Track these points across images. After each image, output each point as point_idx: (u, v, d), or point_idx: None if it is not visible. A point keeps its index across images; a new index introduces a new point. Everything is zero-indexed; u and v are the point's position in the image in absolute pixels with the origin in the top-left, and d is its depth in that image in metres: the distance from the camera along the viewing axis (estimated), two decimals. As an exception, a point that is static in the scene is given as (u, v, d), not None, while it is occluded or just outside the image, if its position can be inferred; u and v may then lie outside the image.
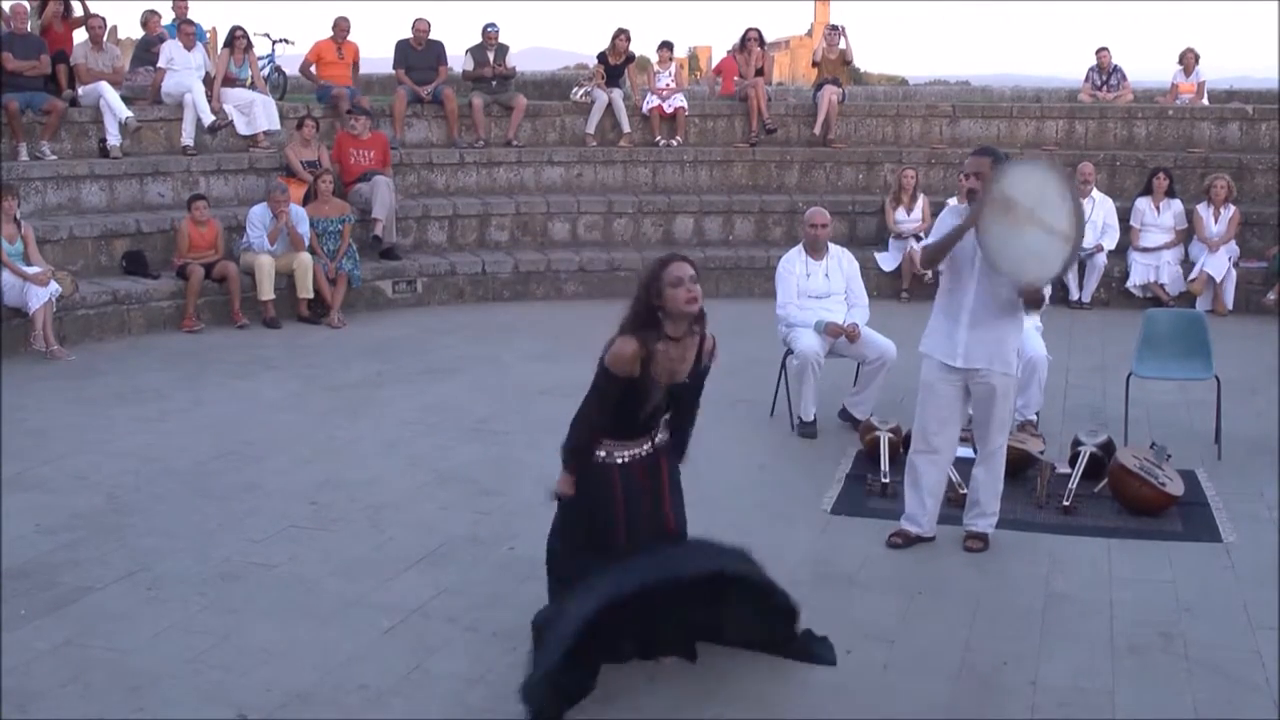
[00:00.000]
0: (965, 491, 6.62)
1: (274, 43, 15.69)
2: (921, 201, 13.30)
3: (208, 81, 13.31)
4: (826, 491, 7.07)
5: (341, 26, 14.24)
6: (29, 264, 10.13)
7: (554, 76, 20.39)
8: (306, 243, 11.65)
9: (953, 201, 12.19)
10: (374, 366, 10.00)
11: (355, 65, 14.53)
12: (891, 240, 13.24)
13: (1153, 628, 5.32)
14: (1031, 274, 5.82)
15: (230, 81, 13.50)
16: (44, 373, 9.57)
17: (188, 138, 12.89)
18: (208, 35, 16.62)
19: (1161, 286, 12.73)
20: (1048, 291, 6.07)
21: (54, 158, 12.15)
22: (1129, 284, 12.91)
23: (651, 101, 14.84)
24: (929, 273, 12.74)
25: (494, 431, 8.05)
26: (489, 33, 14.72)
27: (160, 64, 13.21)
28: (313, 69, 14.31)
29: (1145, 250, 12.90)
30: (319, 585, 5.66)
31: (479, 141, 14.36)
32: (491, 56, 14.63)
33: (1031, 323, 8.17)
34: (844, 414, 8.35)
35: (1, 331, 9.94)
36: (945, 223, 6.14)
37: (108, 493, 6.88)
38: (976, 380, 6.03)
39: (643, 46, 16.33)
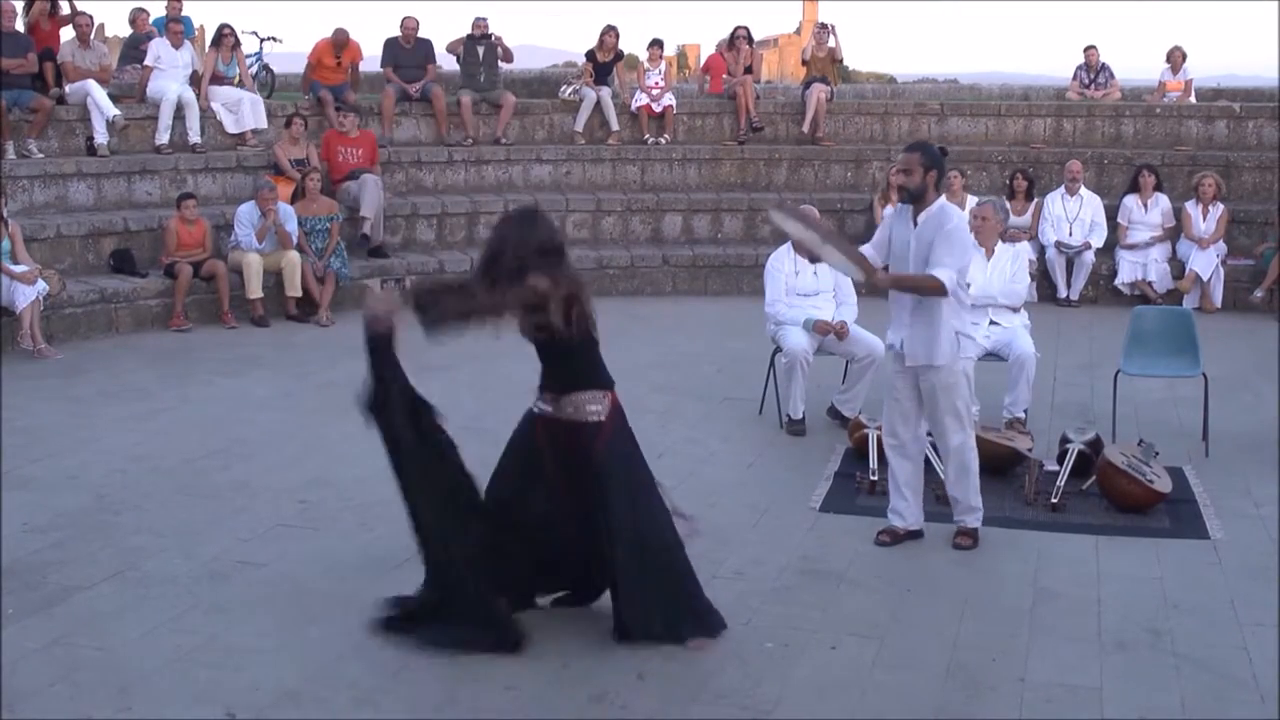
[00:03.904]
0: (953, 489, 6.67)
1: (262, 41, 15.67)
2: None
3: (195, 80, 13.27)
4: (815, 489, 7.08)
5: (339, 39, 14.17)
6: (16, 262, 10.10)
7: (543, 74, 20.39)
8: (294, 241, 11.63)
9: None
10: (362, 365, 9.95)
11: (355, 67, 14.47)
12: (880, 238, 13.24)
13: (1140, 624, 5.34)
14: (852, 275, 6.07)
15: (218, 79, 13.47)
16: (31, 371, 9.54)
17: (163, 133, 12.80)
18: (195, 32, 16.59)
19: (1149, 284, 12.76)
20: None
21: (41, 156, 12.10)
22: (1117, 282, 12.94)
23: (641, 100, 14.84)
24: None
25: (483, 429, 7.98)
26: (479, 24, 14.71)
27: (147, 62, 13.16)
28: (310, 69, 14.28)
29: (1132, 248, 12.94)
30: (308, 584, 5.66)
31: (467, 140, 14.34)
32: (481, 52, 14.60)
33: (1019, 320, 8.21)
34: (833, 412, 8.36)
35: (-11, 330, 9.93)
36: (887, 221, 6.28)
37: (96, 491, 6.86)
38: (922, 377, 6.08)
39: (631, 44, 16.34)
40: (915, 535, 6.28)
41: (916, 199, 5.98)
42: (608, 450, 4.99)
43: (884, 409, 6.34)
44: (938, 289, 5.89)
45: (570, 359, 5.04)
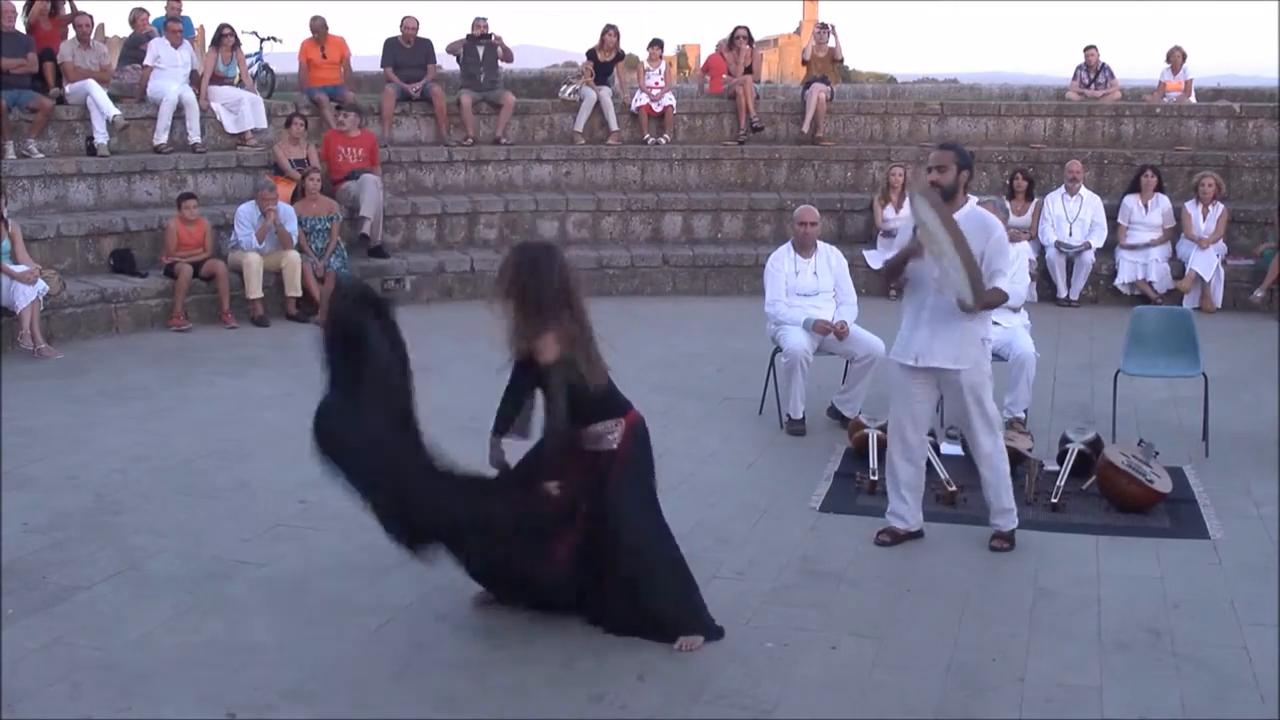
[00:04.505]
0: (954, 489, 6.66)
1: (262, 41, 15.68)
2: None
3: (195, 80, 13.27)
4: (815, 489, 7.08)
5: (317, 26, 14.19)
6: (16, 262, 10.10)
7: (543, 74, 20.39)
8: (294, 241, 11.64)
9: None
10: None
11: (345, 62, 14.45)
12: (880, 238, 13.24)
13: (1140, 624, 5.34)
14: (961, 294, 5.86)
15: (218, 79, 13.46)
16: (31, 371, 9.54)
17: (162, 133, 12.80)
18: (195, 32, 16.58)
19: (1149, 284, 12.76)
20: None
21: (41, 156, 12.10)
22: (1117, 282, 12.94)
23: (641, 100, 14.84)
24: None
25: (483, 429, 8.01)
26: (479, 24, 14.71)
27: (147, 62, 13.16)
28: (304, 71, 14.27)
29: (1132, 248, 12.94)
30: (308, 584, 5.66)
31: (467, 140, 14.34)
32: (481, 52, 14.60)
33: (1019, 320, 8.20)
34: (833, 411, 8.36)
35: (-11, 330, 9.93)
36: (911, 222, 6.19)
37: (96, 491, 6.86)
38: (945, 380, 6.06)
39: (631, 45, 16.36)
40: (915, 535, 6.28)
41: (948, 198, 5.97)
42: (620, 476, 5.05)
43: (891, 410, 6.31)
44: (1004, 299, 6.23)
45: (582, 402, 5.02)
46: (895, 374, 6.25)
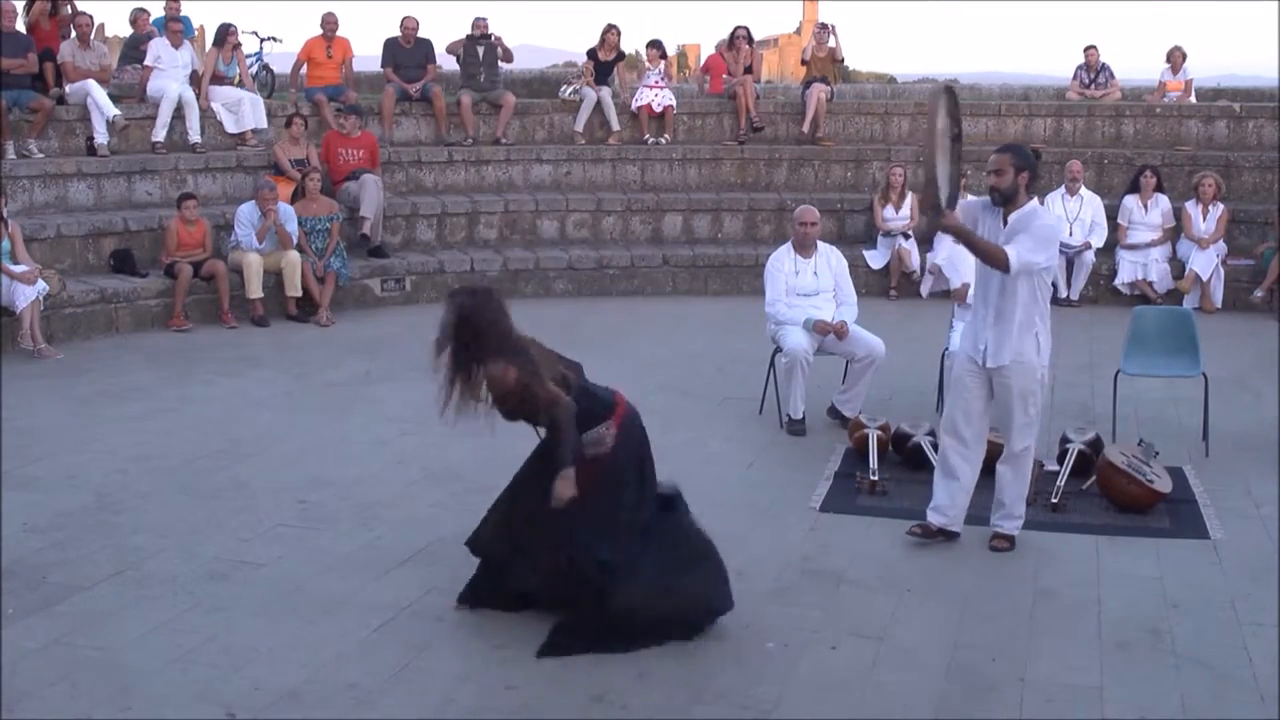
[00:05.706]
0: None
1: (262, 41, 15.67)
2: (910, 199, 13.30)
3: (195, 80, 13.27)
4: (815, 489, 7.08)
5: (329, 23, 14.20)
6: (16, 262, 10.10)
7: (543, 74, 20.38)
8: (295, 241, 11.63)
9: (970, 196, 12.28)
10: (362, 365, 9.99)
11: (348, 64, 14.44)
12: (880, 238, 13.25)
13: (1141, 624, 5.34)
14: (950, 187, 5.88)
15: (218, 79, 13.46)
16: (31, 371, 9.54)
17: (160, 131, 12.79)
18: (195, 32, 16.58)
19: (1149, 284, 12.76)
20: (1048, 291, 6.05)
21: (41, 156, 12.10)
22: (1117, 282, 12.94)
23: (641, 99, 14.83)
24: (915, 271, 12.84)
25: (483, 429, 8.03)
26: (479, 24, 14.72)
27: (147, 62, 13.16)
28: (302, 70, 14.25)
29: (1132, 248, 12.94)
30: (308, 584, 5.66)
31: (467, 139, 14.34)
32: (481, 52, 14.60)
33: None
34: (833, 411, 8.36)
35: (-11, 330, 9.93)
36: (972, 209, 6.18)
37: (96, 491, 6.86)
38: (999, 379, 6.05)
39: (631, 45, 16.35)
40: (951, 536, 6.22)
41: (1008, 200, 5.95)
42: (610, 469, 5.10)
43: (946, 409, 6.27)
44: (1001, 261, 5.85)
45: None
46: (954, 366, 6.23)
